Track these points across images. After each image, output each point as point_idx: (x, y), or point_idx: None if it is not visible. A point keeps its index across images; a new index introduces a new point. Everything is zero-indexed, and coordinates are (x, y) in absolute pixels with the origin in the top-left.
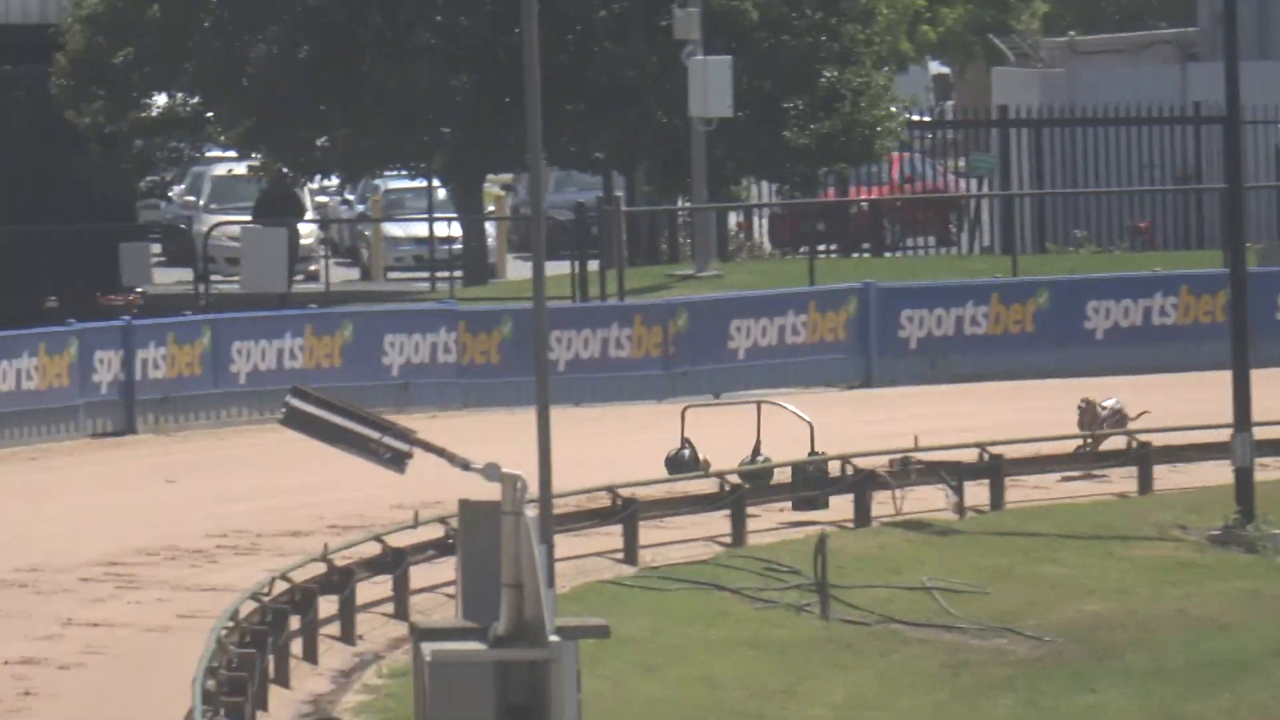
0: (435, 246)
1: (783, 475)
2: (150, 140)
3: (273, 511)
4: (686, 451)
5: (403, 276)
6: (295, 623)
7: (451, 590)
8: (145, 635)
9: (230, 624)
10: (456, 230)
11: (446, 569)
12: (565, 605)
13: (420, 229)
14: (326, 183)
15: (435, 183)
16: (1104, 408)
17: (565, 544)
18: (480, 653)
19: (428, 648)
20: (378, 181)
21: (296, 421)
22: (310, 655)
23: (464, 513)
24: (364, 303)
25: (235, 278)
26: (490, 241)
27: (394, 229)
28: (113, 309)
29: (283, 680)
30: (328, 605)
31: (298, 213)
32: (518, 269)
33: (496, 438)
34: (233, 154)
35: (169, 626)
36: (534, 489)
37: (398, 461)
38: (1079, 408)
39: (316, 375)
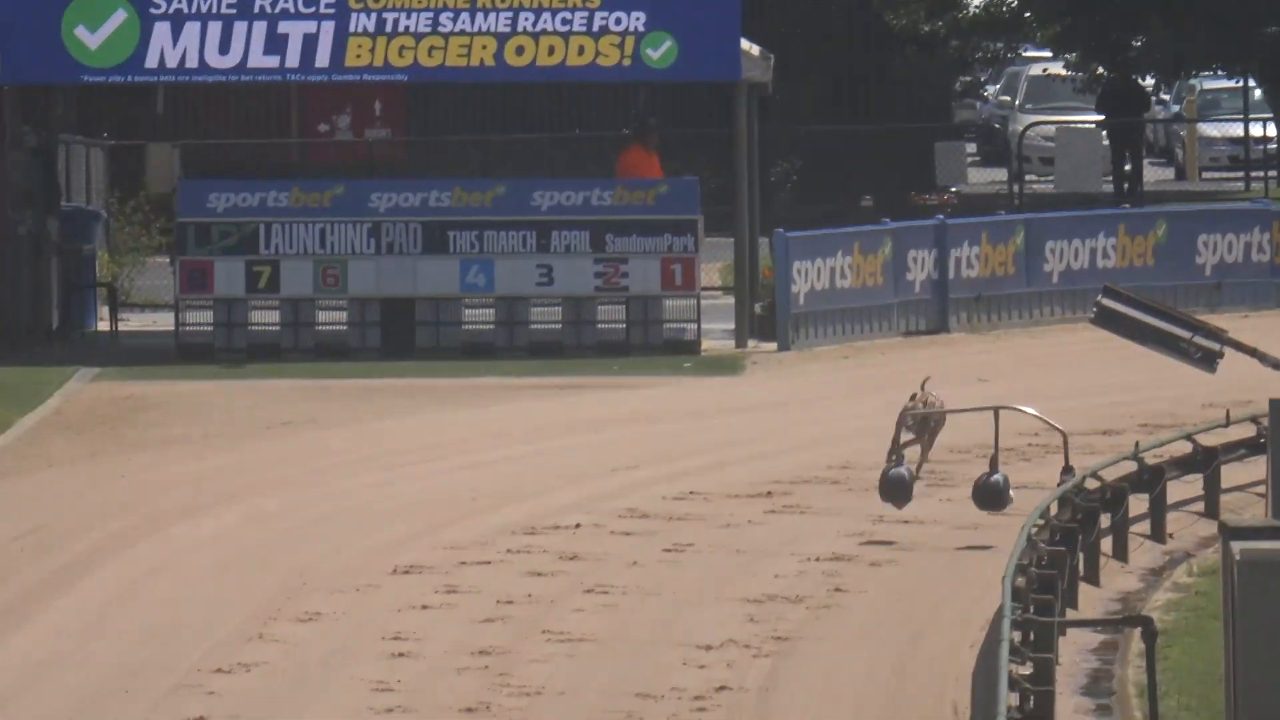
0: (1250, 146)
1: None
2: (966, 41)
3: (1083, 410)
4: (904, 470)
5: (1217, 176)
6: (1105, 521)
7: (1261, 489)
8: (953, 532)
9: (1041, 522)
10: (1271, 131)
11: (1257, 468)
12: None
13: (1235, 129)
14: (1142, 82)
15: (1251, 83)
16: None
17: None
18: None
19: (1237, 546)
20: (1193, 81)
21: (1107, 320)
22: (1120, 553)
23: (1275, 412)
24: (1177, 203)
25: (1049, 177)
26: None
27: (1209, 129)
28: (927, 208)
29: (1092, 578)
30: (1137, 504)
31: (1144, 107)
32: None
33: None
34: (1047, 53)
35: (975, 525)
36: None
37: (1208, 361)
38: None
39: (1128, 274)
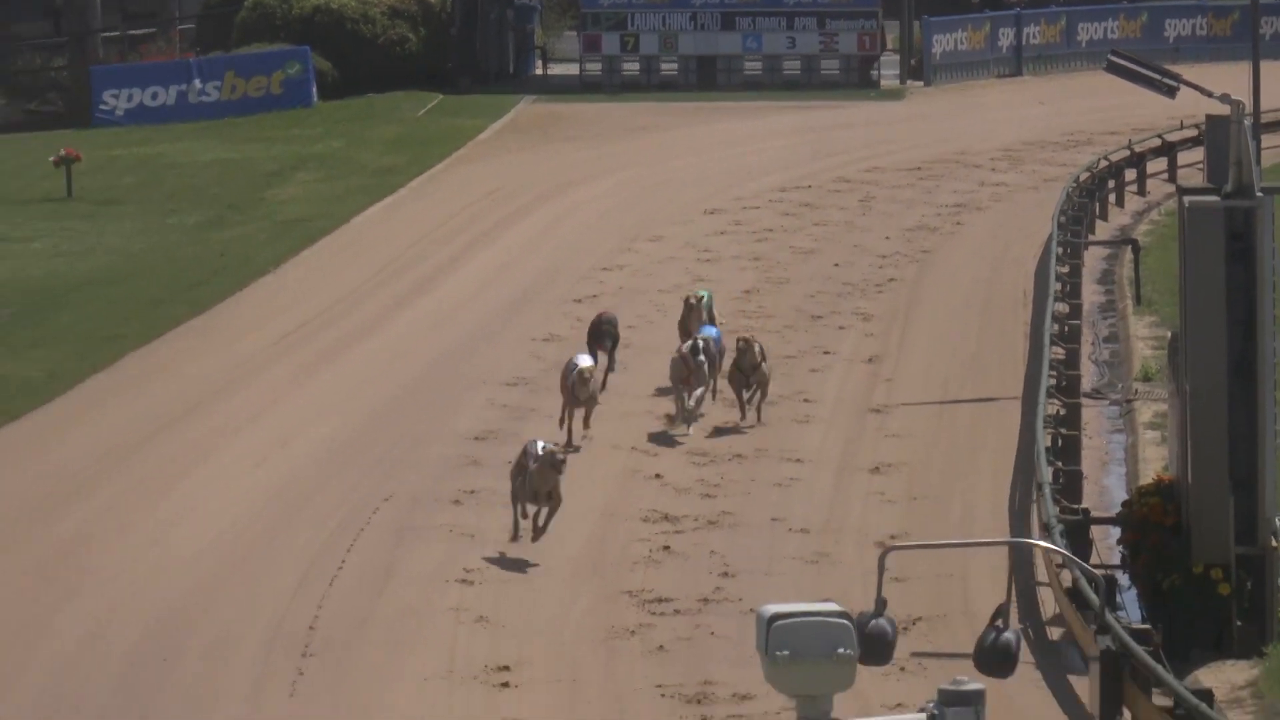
0: None
1: None
2: None
3: (1102, 120)
4: (885, 622)
5: None
6: (1112, 184)
7: (1201, 166)
8: (1026, 192)
9: (1074, 185)
10: None
11: (1198, 153)
12: (1270, 176)
13: None
14: None
15: None
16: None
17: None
18: (1216, 202)
19: (1186, 199)
20: None
21: (1115, 70)
22: (1120, 203)
23: (1210, 122)
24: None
25: None
26: None
27: None
28: (1009, 5)
29: (1103, 216)
30: (1130, 174)
31: None
32: None
33: (1237, 81)
34: None
35: (1036, 186)
36: (1250, 106)
37: (1170, 92)
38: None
39: (1126, 42)
